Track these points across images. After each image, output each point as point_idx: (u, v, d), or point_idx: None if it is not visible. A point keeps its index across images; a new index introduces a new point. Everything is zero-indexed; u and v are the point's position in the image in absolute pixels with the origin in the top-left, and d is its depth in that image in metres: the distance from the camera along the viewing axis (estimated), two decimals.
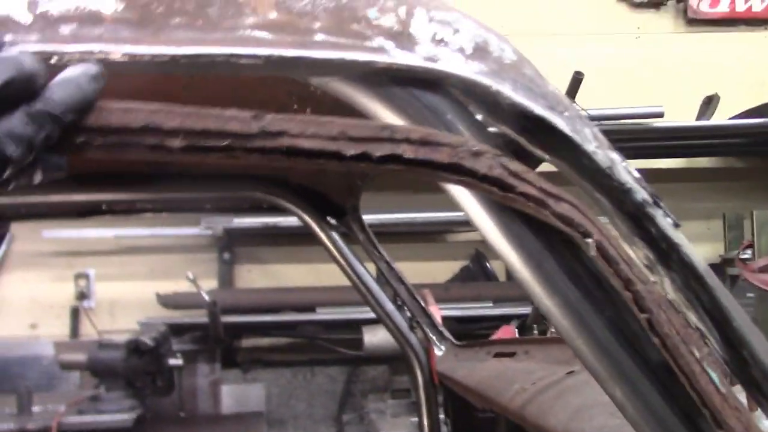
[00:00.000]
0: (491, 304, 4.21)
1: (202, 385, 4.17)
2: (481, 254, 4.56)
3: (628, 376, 0.63)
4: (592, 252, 0.59)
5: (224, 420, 4.05)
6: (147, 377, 3.47)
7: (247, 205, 2.45)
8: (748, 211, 4.12)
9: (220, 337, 3.88)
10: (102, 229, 4.26)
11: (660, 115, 3.82)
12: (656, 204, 0.64)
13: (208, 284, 4.26)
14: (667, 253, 0.62)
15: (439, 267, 4.58)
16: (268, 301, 4.07)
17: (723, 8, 4.73)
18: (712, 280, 0.64)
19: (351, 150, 0.55)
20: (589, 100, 3.94)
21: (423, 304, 2.30)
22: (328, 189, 2.03)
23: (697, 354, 0.60)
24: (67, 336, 4.41)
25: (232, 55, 0.58)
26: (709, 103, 4.30)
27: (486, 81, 0.61)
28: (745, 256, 3.98)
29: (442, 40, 0.62)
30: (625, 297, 0.59)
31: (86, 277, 4.45)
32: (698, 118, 4.22)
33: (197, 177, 1.96)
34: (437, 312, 3.42)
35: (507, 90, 0.61)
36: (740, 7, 4.73)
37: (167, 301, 4.15)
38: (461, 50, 0.63)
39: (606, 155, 0.62)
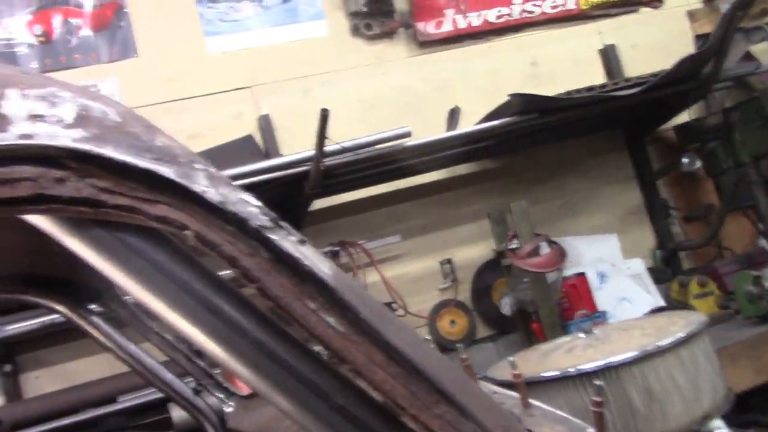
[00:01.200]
0: None
1: None
2: None
3: (281, 381, 0.69)
4: (191, 242, 0.64)
5: None
6: None
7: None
8: (507, 206, 4.47)
9: None
10: None
11: (407, 135, 4.07)
12: (277, 226, 0.69)
13: None
14: (293, 268, 0.68)
15: None
16: (62, 403, 3.80)
17: (447, 27, 5.14)
18: (339, 282, 0.70)
19: None
20: (346, 132, 4.12)
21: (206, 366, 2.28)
22: (76, 274, 1.96)
23: (311, 305, 0.66)
24: None
25: None
26: (453, 115, 4.66)
27: (86, 147, 0.64)
28: (513, 246, 4.31)
29: (38, 116, 0.65)
30: (236, 274, 0.65)
31: None
32: (447, 131, 4.55)
33: None
34: None
35: (109, 151, 0.65)
36: (462, 25, 5.17)
37: None
38: (60, 121, 0.65)
39: (218, 192, 0.67)
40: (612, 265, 5.00)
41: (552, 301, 4.36)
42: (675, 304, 4.79)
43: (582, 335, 1.89)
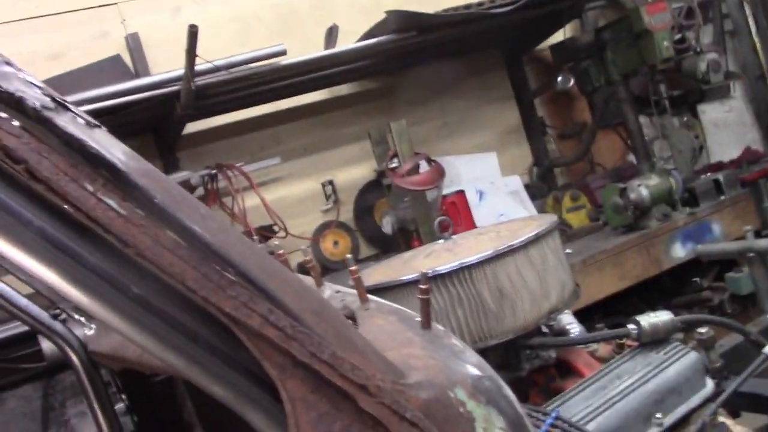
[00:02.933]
0: None
1: None
2: None
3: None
4: None
5: None
6: None
7: None
8: (388, 126, 4.47)
9: None
10: None
11: (283, 53, 3.97)
12: (62, 108, 0.65)
13: None
14: (75, 150, 0.64)
15: None
16: None
17: None
18: (130, 166, 0.66)
19: None
20: (222, 53, 3.99)
21: None
22: None
23: (90, 188, 0.62)
24: None
25: None
26: (331, 33, 4.56)
27: None
28: (393, 165, 4.34)
29: None
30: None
31: None
32: (325, 50, 4.46)
33: None
34: None
35: None
36: None
37: None
38: None
39: None
40: (491, 183, 5.13)
41: (432, 218, 4.44)
42: None
43: (441, 241, 1.93)
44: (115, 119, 3.79)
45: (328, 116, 4.94)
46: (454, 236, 1.96)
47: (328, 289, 1.20)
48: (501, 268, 1.61)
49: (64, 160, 0.63)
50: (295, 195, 4.79)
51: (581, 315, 3.30)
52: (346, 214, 4.93)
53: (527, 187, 5.21)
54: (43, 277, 0.66)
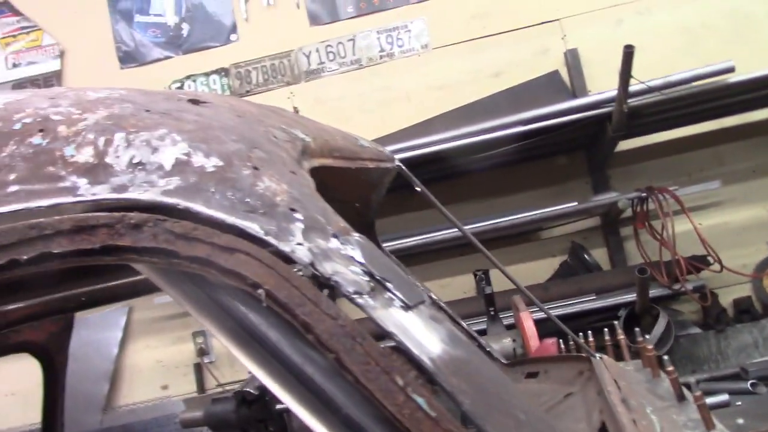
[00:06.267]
0: (594, 297, 4.03)
1: None
2: (578, 246, 4.39)
3: None
4: (264, 302, 0.58)
5: None
6: (259, 424, 3.58)
7: None
8: None
9: None
10: None
11: (730, 70, 3.54)
12: (380, 288, 0.60)
13: None
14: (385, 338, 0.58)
15: (538, 266, 4.45)
16: None
17: None
18: (444, 361, 0.59)
19: None
20: (665, 67, 3.76)
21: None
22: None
23: (400, 382, 0.57)
24: (195, 392, 4.64)
25: None
26: None
27: (172, 200, 0.60)
28: None
29: (139, 163, 0.63)
30: (312, 341, 0.57)
31: (203, 334, 4.67)
32: None
33: None
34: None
35: (198, 206, 0.60)
36: None
37: None
38: (159, 168, 0.62)
39: (311, 248, 0.60)
40: None
41: None
42: None
43: None
44: (548, 138, 3.82)
45: None
46: None
47: (683, 415, 1.00)
48: None
49: (375, 350, 0.58)
50: (737, 223, 4.29)
51: None
52: None
53: None
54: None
